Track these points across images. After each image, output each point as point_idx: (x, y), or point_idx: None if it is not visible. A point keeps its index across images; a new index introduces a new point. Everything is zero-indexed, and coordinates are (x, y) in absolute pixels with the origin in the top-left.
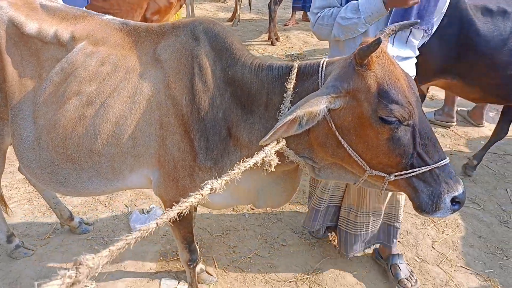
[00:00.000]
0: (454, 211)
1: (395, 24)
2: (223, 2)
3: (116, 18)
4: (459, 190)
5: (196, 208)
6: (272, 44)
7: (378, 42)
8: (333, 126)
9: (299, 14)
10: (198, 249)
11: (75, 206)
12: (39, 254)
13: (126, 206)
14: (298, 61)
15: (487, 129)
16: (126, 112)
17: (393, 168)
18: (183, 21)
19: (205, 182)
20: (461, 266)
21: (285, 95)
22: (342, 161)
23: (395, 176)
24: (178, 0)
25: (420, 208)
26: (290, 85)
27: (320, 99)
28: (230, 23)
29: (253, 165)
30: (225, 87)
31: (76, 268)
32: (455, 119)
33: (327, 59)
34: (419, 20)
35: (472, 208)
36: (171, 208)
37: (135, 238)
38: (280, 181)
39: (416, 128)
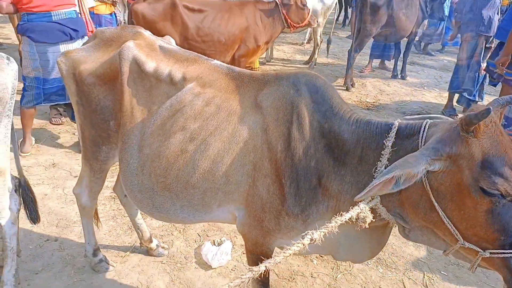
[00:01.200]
0: None
1: (510, 96)
2: (300, 45)
3: (224, 63)
4: None
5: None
6: (347, 89)
7: (487, 112)
8: (429, 188)
9: (376, 62)
10: None
11: (153, 229)
12: (118, 270)
13: (199, 235)
14: (399, 120)
15: None
16: (224, 151)
17: (489, 243)
18: (287, 72)
19: (306, 232)
20: None
21: (382, 152)
22: (434, 226)
23: (490, 253)
24: (265, 43)
25: None
26: (389, 143)
27: (420, 160)
28: (307, 66)
29: (348, 220)
30: (321, 137)
31: None
32: None
33: (431, 121)
34: None
35: None
36: (253, 247)
37: (248, 277)
38: (366, 236)
39: None
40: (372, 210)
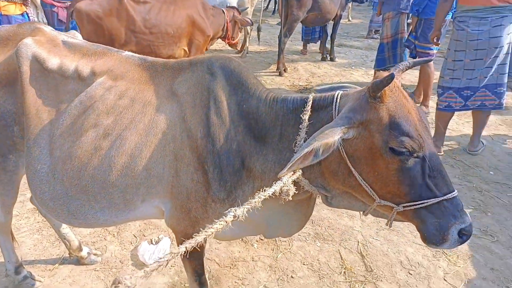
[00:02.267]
0: (461, 243)
1: (409, 61)
2: None
3: (135, 54)
4: (466, 222)
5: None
6: (280, 75)
7: (391, 77)
8: (345, 155)
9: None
10: (208, 281)
11: (84, 236)
12: (46, 285)
13: (135, 236)
14: (312, 94)
15: (496, 159)
16: (141, 144)
17: (401, 198)
18: (200, 58)
19: (229, 209)
20: None
21: (300, 126)
22: (353, 189)
23: (403, 206)
24: (213, 38)
25: (427, 239)
26: (306, 117)
27: (335, 130)
28: (239, 55)
29: (271, 194)
30: (240, 119)
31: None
32: (441, 150)
33: (342, 91)
34: (433, 58)
35: (484, 240)
36: (184, 239)
37: (166, 260)
38: (291, 210)
39: (426, 160)
40: (296, 184)
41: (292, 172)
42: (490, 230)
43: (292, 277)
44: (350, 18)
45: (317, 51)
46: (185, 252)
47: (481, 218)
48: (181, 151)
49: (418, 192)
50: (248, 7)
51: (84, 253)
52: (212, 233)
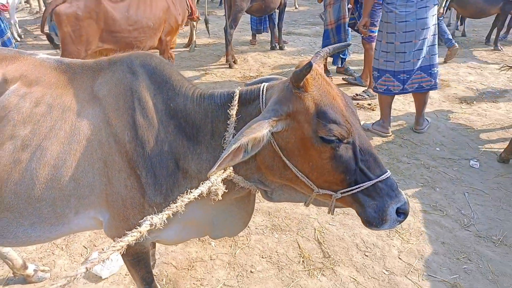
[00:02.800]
0: (400, 222)
1: (329, 47)
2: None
3: (51, 56)
4: (401, 201)
5: (155, 245)
6: (230, 67)
7: (309, 65)
8: (278, 148)
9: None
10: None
11: (29, 252)
12: None
13: (85, 247)
14: (239, 88)
15: (441, 135)
16: (65, 153)
17: (338, 185)
18: (119, 56)
19: (144, 218)
20: (428, 275)
21: (228, 122)
22: (291, 182)
23: (341, 193)
24: (183, 21)
25: (368, 222)
26: (233, 112)
27: (262, 124)
28: (187, 49)
29: (200, 195)
30: (169, 119)
31: None
32: (389, 131)
33: (267, 83)
34: (351, 43)
35: (434, 215)
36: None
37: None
38: (234, 208)
39: (357, 145)
40: (229, 181)
41: (223, 171)
42: (439, 205)
43: (251, 272)
44: (297, 6)
45: (267, 40)
46: (85, 272)
47: (430, 194)
48: (110, 157)
49: (353, 177)
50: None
51: (30, 270)
52: (122, 247)
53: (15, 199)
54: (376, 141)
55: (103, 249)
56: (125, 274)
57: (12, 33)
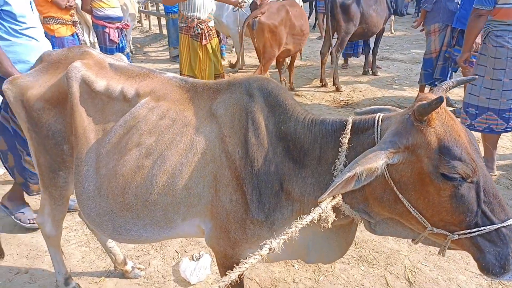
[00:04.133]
0: None
1: (453, 80)
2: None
3: (177, 75)
4: None
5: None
6: (338, 90)
7: (440, 100)
8: (391, 181)
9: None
10: None
11: (128, 250)
12: None
13: (177, 252)
14: (352, 116)
15: None
16: (182, 164)
17: (456, 226)
18: (238, 79)
19: (264, 242)
20: None
21: (340, 149)
22: (400, 216)
23: (458, 235)
24: None
25: (486, 269)
26: (345, 140)
27: (378, 154)
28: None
29: (312, 221)
30: (278, 141)
31: None
32: (495, 170)
33: (383, 114)
34: (477, 77)
35: None
36: (223, 260)
37: None
38: (333, 236)
39: (480, 185)
40: (336, 209)
41: (332, 198)
42: None
43: None
44: (393, 31)
45: (358, 65)
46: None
47: None
48: (220, 171)
49: (474, 220)
50: None
51: (128, 267)
52: (246, 268)
53: (135, 200)
54: None
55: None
56: (211, 283)
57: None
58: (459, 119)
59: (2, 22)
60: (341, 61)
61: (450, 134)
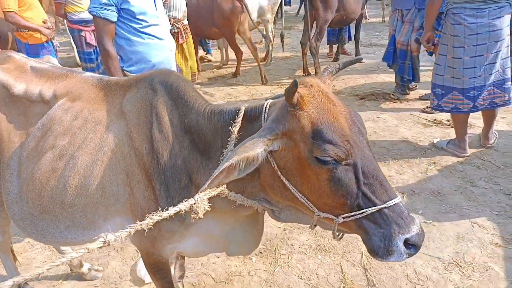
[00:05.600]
0: (409, 255)
1: (339, 62)
2: (259, 44)
3: (95, 74)
4: (412, 231)
5: (183, 257)
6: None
7: (294, 84)
8: (276, 167)
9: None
10: None
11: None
12: None
13: (137, 251)
14: (246, 104)
15: None
16: (93, 163)
17: (339, 209)
18: (144, 74)
19: (100, 234)
20: None
21: (229, 138)
22: (293, 202)
23: (343, 218)
24: None
25: (372, 251)
26: (235, 129)
27: (256, 142)
28: (264, 63)
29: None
30: (184, 134)
31: None
32: (467, 151)
33: (271, 100)
34: (362, 58)
35: (507, 249)
36: (147, 257)
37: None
38: (247, 226)
39: (359, 167)
40: (225, 199)
41: (215, 188)
42: None
43: None
44: (367, 17)
45: (345, 53)
46: None
47: (506, 225)
48: (131, 168)
49: (355, 202)
50: (268, 16)
51: (84, 269)
52: (63, 262)
53: (52, 203)
54: (451, 161)
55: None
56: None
57: None
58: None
59: (122, 20)
60: (326, 50)
61: (324, 117)
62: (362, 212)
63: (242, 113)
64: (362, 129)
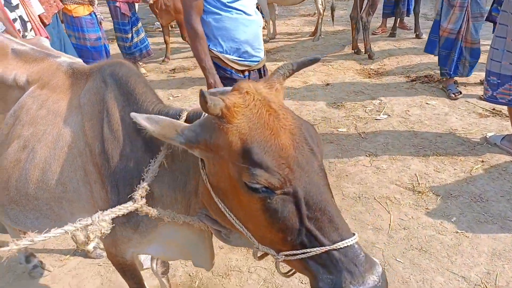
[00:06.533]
0: None
1: (293, 62)
2: (313, 16)
3: (68, 60)
4: (367, 283)
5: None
6: (370, 57)
7: (201, 95)
8: (209, 185)
9: (390, 22)
10: None
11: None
12: (53, 275)
13: None
14: (188, 108)
15: None
16: (50, 157)
17: (280, 245)
18: (100, 63)
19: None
20: None
21: (162, 147)
22: (233, 227)
23: (285, 255)
24: None
25: None
26: None
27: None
28: (312, 38)
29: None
30: (137, 135)
31: None
32: None
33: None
34: (320, 57)
35: None
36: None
37: None
38: (204, 240)
39: (300, 198)
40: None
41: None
42: None
43: None
44: None
45: (405, 28)
46: None
47: None
48: (88, 166)
49: (297, 239)
50: None
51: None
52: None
53: (17, 194)
54: (502, 161)
55: None
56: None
57: None
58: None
59: None
60: (378, 23)
61: (258, 133)
62: (306, 252)
63: (183, 118)
64: (315, 147)
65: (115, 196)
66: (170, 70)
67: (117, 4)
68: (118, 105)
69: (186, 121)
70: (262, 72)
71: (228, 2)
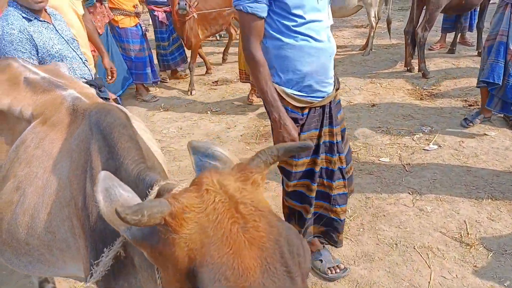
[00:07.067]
0: None
1: (279, 147)
2: (365, 27)
3: (75, 94)
4: None
5: None
6: (424, 76)
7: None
8: None
9: (450, 37)
10: None
11: None
12: None
13: None
14: (161, 181)
15: None
16: (39, 204)
17: None
18: (92, 105)
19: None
20: None
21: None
22: None
23: None
24: None
25: None
26: None
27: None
28: (361, 52)
29: None
30: None
31: None
32: None
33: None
34: (312, 145)
35: None
36: None
37: None
38: None
39: None
40: None
41: None
42: None
43: None
44: None
45: (467, 44)
46: None
47: None
48: (73, 218)
49: None
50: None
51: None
52: None
53: (10, 237)
54: None
55: None
56: None
57: None
58: None
59: (272, 16)
60: (437, 38)
61: (212, 251)
62: None
63: (155, 193)
64: (294, 267)
65: (94, 258)
66: (213, 82)
67: (155, 13)
68: (101, 157)
69: (158, 194)
70: (328, 110)
71: (293, 26)
